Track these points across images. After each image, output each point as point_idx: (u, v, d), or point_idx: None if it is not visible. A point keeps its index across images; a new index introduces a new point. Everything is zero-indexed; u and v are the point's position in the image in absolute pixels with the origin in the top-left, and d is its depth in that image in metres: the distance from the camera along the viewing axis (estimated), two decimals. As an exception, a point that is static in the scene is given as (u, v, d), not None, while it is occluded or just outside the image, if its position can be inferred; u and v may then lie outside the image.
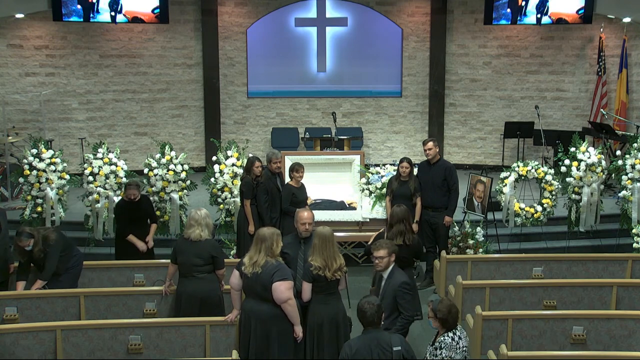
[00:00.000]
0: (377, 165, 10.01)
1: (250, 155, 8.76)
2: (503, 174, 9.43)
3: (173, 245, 6.86)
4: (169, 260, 6.82)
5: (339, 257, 6.04)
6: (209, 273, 6.53)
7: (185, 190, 9.16)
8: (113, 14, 12.53)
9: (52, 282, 6.99)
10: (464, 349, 5.09)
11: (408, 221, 6.92)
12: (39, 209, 8.97)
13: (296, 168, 8.41)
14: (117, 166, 9.02)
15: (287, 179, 8.79)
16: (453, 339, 5.07)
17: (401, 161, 8.60)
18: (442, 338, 5.11)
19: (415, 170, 8.92)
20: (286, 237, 6.65)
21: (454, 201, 8.61)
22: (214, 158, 9.20)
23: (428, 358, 5.19)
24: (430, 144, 8.60)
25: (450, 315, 5.07)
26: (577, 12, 12.88)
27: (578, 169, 9.19)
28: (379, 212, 9.25)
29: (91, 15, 12.45)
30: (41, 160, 8.92)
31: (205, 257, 6.48)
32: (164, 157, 9.05)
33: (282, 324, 5.82)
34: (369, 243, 7.09)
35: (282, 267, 5.86)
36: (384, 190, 9.21)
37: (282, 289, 5.72)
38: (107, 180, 8.97)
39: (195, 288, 6.46)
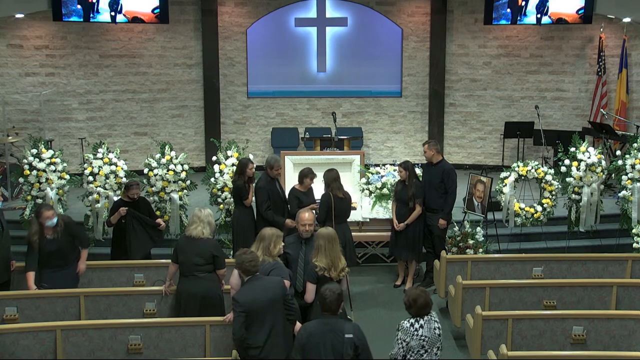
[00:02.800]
0: (377, 165, 10.00)
1: (249, 157, 8.74)
2: (503, 174, 9.43)
3: (174, 244, 6.86)
4: (169, 261, 6.83)
5: (342, 257, 6.10)
6: (209, 272, 6.54)
7: (185, 190, 9.17)
8: (113, 14, 12.54)
9: (57, 277, 7.02)
10: (424, 337, 5.21)
11: (339, 180, 8.12)
12: (39, 209, 8.96)
13: (310, 176, 8.24)
14: (117, 166, 9.02)
15: (283, 181, 8.74)
16: (412, 325, 5.24)
17: (399, 164, 8.69)
18: (401, 321, 5.32)
19: (419, 171, 8.98)
20: (288, 238, 6.70)
21: (450, 204, 8.61)
22: (214, 158, 9.20)
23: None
24: (425, 147, 8.77)
25: (416, 304, 5.25)
26: (577, 12, 12.88)
27: (578, 169, 9.19)
28: (379, 212, 9.25)
29: (91, 15, 12.45)
30: (41, 160, 8.92)
31: (206, 256, 6.50)
32: (164, 157, 9.05)
33: None
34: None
35: (279, 267, 5.92)
36: (384, 190, 9.23)
37: None
38: (107, 180, 8.97)
39: (196, 287, 6.47)
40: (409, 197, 8.48)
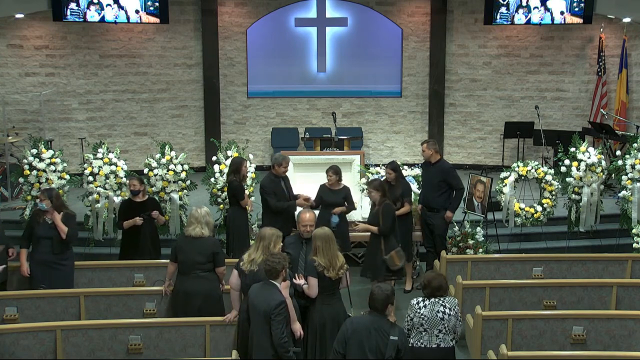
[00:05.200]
0: (377, 165, 10.01)
1: (249, 156, 8.74)
2: (503, 174, 9.43)
3: (173, 244, 6.83)
4: (168, 261, 6.82)
5: (340, 255, 6.12)
6: (209, 272, 6.56)
7: (185, 190, 9.16)
8: (113, 14, 12.53)
9: (53, 275, 7.06)
10: (423, 317, 5.49)
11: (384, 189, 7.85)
12: (39, 208, 8.97)
13: (329, 172, 8.30)
14: (117, 166, 9.01)
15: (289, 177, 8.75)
16: (418, 303, 5.56)
17: (386, 166, 8.61)
18: (412, 299, 5.66)
19: (418, 171, 8.95)
20: (288, 238, 6.74)
21: (457, 201, 8.60)
22: (214, 158, 9.20)
23: None
24: (424, 146, 8.76)
25: (430, 285, 5.57)
26: (577, 12, 12.88)
27: (578, 169, 9.19)
28: (379, 212, 9.25)
29: (91, 15, 12.45)
30: (41, 160, 8.92)
31: (207, 254, 6.52)
32: (164, 157, 9.04)
33: None
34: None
35: None
36: (384, 190, 9.23)
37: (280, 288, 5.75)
38: (107, 180, 8.97)
39: (197, 286, 6.48)
40: (397, 197, 8.42)
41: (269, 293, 5.54)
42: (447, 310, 5.52)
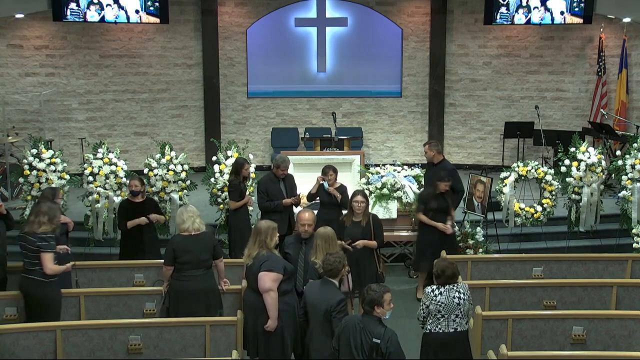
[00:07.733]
0: (377, 165, 10.01)
1: (248, 157, 8.77)
2: (503, 174, 9.43)
3: (169, 247, 6.60)
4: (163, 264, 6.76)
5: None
6: (209, 268, 6.61)
7: (185, 190, 9.16)
8: (113, 14, 12.53)
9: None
10: (440, 304, 5.67)
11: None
12: (39, 209, 8.95)
13: (326, 171, 8.30)
14: (117, 166, 9.01)
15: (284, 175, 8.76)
16: (433, 291, 5.75)
17: (441, 179, 8.11)
18: (426, 287, 5.85)
19: (419, 171, 8.97)
20: (288, 238, 6.75)
21: (456, 201, 8.59)
22: (214, 158, 9.20)
23: None
24: (426, 147, 8.79)
25: (444, 274, 5.74)
26: (577, 12, 12.87)
27: (578, 169, 9.19)
28: (379, 212, 9.23)
29: (91, 15, 12.45)
30: (41, 160, 8.92)
31: (209, 249, 6.58)
32: (164, 157, 9.05)
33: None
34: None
35: (272, 258, 5.95)
36: (384, 190, 9.20)
37: (266, 279, 5.84)
38: (107, 180, 8.97)
39: (201, 284, 6.50)
40: (449, 207, 8.15)
41: (329, 291, 5.62)
42: (461, 296, 5.73)
